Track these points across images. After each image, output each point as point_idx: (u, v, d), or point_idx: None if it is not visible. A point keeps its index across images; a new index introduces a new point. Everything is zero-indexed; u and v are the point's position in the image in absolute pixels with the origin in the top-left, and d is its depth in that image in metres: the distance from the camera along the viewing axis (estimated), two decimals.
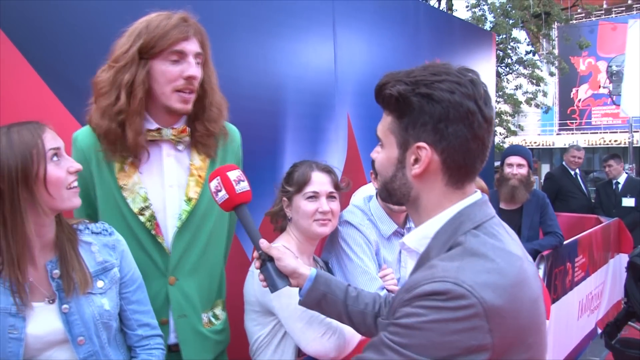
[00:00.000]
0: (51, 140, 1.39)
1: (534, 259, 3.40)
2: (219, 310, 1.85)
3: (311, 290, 1.47)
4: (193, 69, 1.61)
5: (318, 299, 1.48)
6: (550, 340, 3.50)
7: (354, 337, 1.75)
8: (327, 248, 2.20)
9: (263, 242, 1.48)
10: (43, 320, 1.40)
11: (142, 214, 1.64)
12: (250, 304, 1.83)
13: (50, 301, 1.42)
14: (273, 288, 1.49)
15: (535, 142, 25.50)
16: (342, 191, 2.01)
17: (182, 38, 1.59)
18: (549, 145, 25.53)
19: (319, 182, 1.90)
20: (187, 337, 1.71)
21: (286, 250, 1.54)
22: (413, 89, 1.08)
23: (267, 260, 1.49)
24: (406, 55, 4.26)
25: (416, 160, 1.10)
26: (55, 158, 1.38)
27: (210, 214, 1.74)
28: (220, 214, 1.77)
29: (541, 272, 3.39)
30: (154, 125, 1.68)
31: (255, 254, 1.52)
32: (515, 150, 4.05)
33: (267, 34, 3.05)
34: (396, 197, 1.18)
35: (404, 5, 4.33)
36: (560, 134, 25.91)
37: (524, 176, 3.75)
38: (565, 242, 3.85)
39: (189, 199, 1.69)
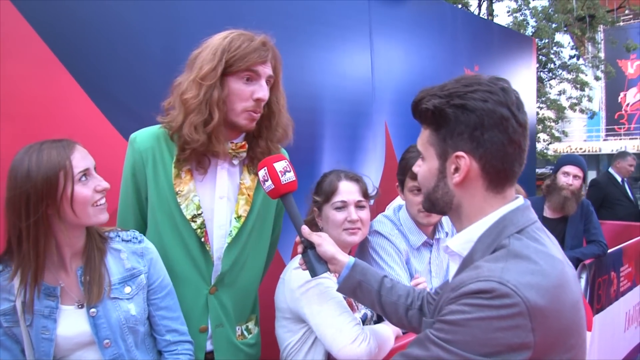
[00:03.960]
0: (80, 160, 1.44)
1: (576, 267, 3.32)
2: (252, 325, 1.91)
3: (348, 277, 1.55)
4: (263, 92, 1.66)
5: (354, 287, 1.55)
6: (594, 351, 3.41)
7: (386, 342, 1.77)
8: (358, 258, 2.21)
9: (305, 229, 1.59)
10: (72, 323, 1.48)
11: (194, 221, 1.70)
12: (281, 311, 1.86)
13: (80, 306, 1.50)
14: (313, 273, 1.58)
15: (581, 149, 24.80)
16: (372, 199, 2.03)
17: (259, 62, 1.65)
18: (596, 151, 24.78)
19: (347, 191, 1.93)
20: (222, 346, 1.77)
21: (326, 236, 1.61)
22: (447, 101, 1.14)
23: (308, 246, 1.58)
24: (444, 62, 4.26)
25: (456, 169, 1.16)
26: (83, 178, 1.44)
27: (253, 232, 1.81)
28: (260, 232, 1.84)
29: (583, 282, 3.32)
30: None
31: (298, 239, 1.61)
32: (574, 160, 3.86)
33: (304, 44, 3.10)
34: (439, 206, 1.24)
35: (442, 12, 4.33)
36: (607, 139, 25.10)
37: (577, 188, 3.67)
38: (609, 251, 3.74)
39: (239, 217, 1.75)
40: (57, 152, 1.41)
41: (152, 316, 1.63)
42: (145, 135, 1.73)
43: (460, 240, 1.20)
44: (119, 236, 1.61)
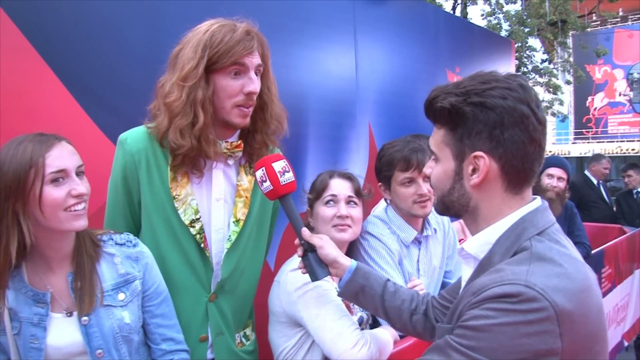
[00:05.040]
0: (57, 159, 1.33)
1: None
2: (249, 331, 1.84)
3: (350, 281, 1.49)
4: (254, 84, 1.56)
5: (356, 291, 1.50)
6: None
7: (386, 346, 1.72)
8: None
9: (305, 231, 1.51)
10: (63, 332, 1.39)
11: (192, 226, 1.60)
12: (276, 315, 1.79)
13: (69, 314, 1.40)
14: (314, 277, 1.51)
15: (550, 151, 25.26)
16: (365, 198, 1.97)
17: (245, 54, 1.54)
18: (565, 154, 25.25)
19: (338, 186, 1.89)
20: (223, 355, 1.69)
21: (327, 239, 1.54)
22: (465, 99, 1.09)
23: (308, 249, 1.51)
24: (426, 63, 4.23)
25: (474, 170, 1.11)
26: (57, 179, 1.32)
27: (252, 236, 1.73)
28: (258, 236, 1.75)
29: None
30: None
31: (297, 241, 1.54)
32: (559, 162, 3.82)
33: (289, 42, 3.03)
34: (454, 209, 1.19)
35: (424, 13, 4.31)
36: (575, 142, 25.70)
37: (561, 190, 3.64)
38: (591, 252, 3.76)
39: (237, 220, 1.66)
40: (32, 148, 1.31)
41: (146, 324, 1.53)
42: (136, 136, 1.62)
43: (477, 243, 1.15)
44: (112, 239, 1.51)
